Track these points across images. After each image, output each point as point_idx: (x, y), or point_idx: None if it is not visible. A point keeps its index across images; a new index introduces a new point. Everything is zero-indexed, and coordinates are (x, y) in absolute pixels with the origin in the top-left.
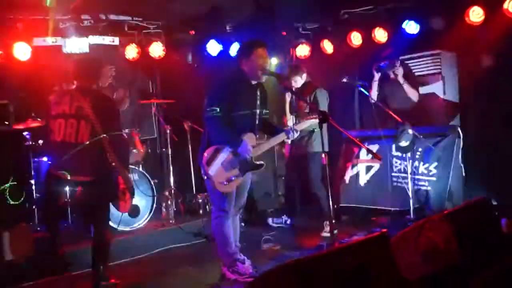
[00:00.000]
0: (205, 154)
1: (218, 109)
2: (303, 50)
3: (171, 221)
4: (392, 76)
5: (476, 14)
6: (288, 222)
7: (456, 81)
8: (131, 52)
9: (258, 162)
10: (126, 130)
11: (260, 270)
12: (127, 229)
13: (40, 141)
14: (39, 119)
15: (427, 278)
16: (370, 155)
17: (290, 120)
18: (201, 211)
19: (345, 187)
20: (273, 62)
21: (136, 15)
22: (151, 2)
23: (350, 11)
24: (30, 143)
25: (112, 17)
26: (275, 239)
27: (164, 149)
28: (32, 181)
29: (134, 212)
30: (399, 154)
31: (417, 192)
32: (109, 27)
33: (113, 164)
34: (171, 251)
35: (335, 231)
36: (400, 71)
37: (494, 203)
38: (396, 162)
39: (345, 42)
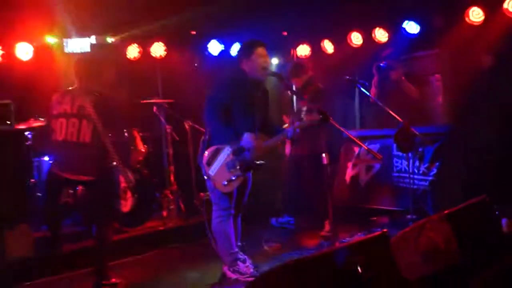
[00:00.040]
0: (206, 154)
1: (218, 109)
2: (303, 50)
3: (172, 221)
4: (392, 76)
5: (476, 14)
6: (291, 222)
7: (456, 81)
8: (133, 51)
9: (258, 162)
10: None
11: (260, 270)
12: (128, 228)
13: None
14: (41, 119)
15: (427, 278)
16: (370, 155)
17: (290, 119)
18: (201, 211)
19: (346, 186)
20: (274, 62)
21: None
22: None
23: (351, 11)
24: (32, 142)
25: (114, 17)
26: (275, 239)
27: (165, 149)
28: (34, 181)
29: (135, 211)
30: (399, 153)
31: (417, 192)
32: (111, 27)
33: (115, 163)
34: (172, 251)
35: (335, 231)
36: (400, 71)
37: (495, 204)
38: (396, 162)
39: (345, 42)
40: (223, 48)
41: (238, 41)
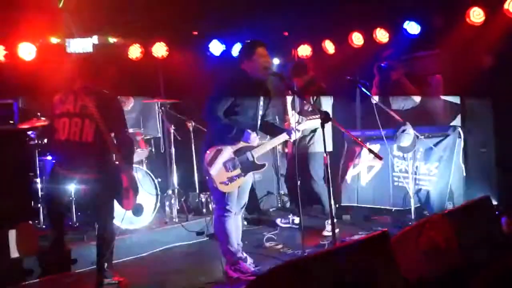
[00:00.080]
0: (207, 153)
1: (219, 109)
2: (304, 51)
3: (174, 220)
4: (393, 76)
5: (476, 15)
6: (296, 221)
7: (456, 81)
8: (135, 52)
9: (260, 162)
10: (130, 130)
11: (262, 269)
12: (131, 227)
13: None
14: (43, 118)
15: (428, 277)
16: (371, 155)
17: (292, 120)
18: (204, 210)
19: (347, 186)
20: (275, 62)
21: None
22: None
23: (351, 11)
24: (35, 142)
25: (116, 17)
26: (277, 238)
27: (167, 149)
28: (37, 180)
29: (138, 210)
30: (400, 154)
31: (418, 191)
32: (113, 27)
33: (117, 162)
34: (174, 250)
35: (337, 230)
36: (401, 71)
37: (495, 202)
38: (397, 162)
39: (346, 43)
40: (225, 48)
41: (240, 41)
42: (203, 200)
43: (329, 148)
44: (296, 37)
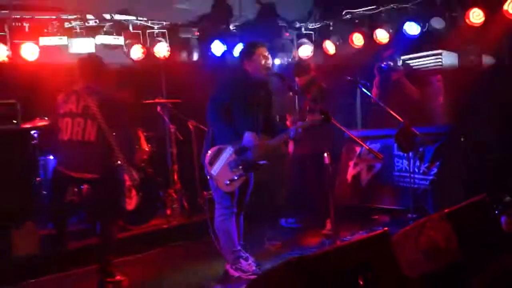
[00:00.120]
0: (208, 153)
1: (220, 109)
2: (305, 51)
3: (175, 219)
4: (393, 76)
5: (476, 16)
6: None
7: (456, 81)
8: (137, 52)
9: (260, 162)
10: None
11: (263, 268)
12: (133, 226)
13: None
14: (46, 118)
15: (428, 276)
16: (371, 154)
17: (293, 119)
18: (205, 209)
19: (347, 185)
20: (276, 62)
21: (141, 15)
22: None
23: (352, 11)
24: (38, 141)
25: (117, 17)
26: (278, 237)
27: (169, 148)
28: (39, 179)
29: (140, 209)
30: (400, 153)
31: (418, 191)
32: (115, 27)
33: (119, 162)
34: (176, 249)
35: (337, 230)
36: (401, 72)
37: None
38: (397, 162)
39: (347, 43)
40: (226, 49)
41: (241, 42)
42: (204, 199)
43: (330, 147)
44: (297, 38)
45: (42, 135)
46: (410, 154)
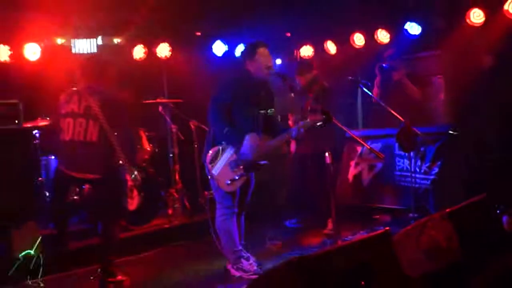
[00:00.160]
0: (209, 153)
1: (222, 110)
2: (306, 51)
3: (177, 219)
4: (394, 76)
5: (476, 16)
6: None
7: (457, 81)
8: (139, 52)
9: (261, 162)
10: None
11: (264, 268)
12: (134, 226)
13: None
14: (48, 118)
15: (429, 276)
16: (373, 154)
17: (295, 119)
18: (206, 209)
19: (348, 185)
20: (277, 62)
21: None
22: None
23: (353, 12)
24: (39, 141)
25: (120, 17)
26: (279, 237)
27: (170, 148)
28: (41, 179)
29: (141, 209)
30: (401, 153)
31: (419, 190)
32: (117, 28)
33: (121, 162)
34: (177, 248)
35: (338, 229)
36: (402, 72)
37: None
38: (398, 161)
39: (348, 43)
40: (227, 49)
41: (242, 42)
42: (206, 199)
43: (331, 147)
44: (298, 38)
45: (44, 135)
46: (411, 153)
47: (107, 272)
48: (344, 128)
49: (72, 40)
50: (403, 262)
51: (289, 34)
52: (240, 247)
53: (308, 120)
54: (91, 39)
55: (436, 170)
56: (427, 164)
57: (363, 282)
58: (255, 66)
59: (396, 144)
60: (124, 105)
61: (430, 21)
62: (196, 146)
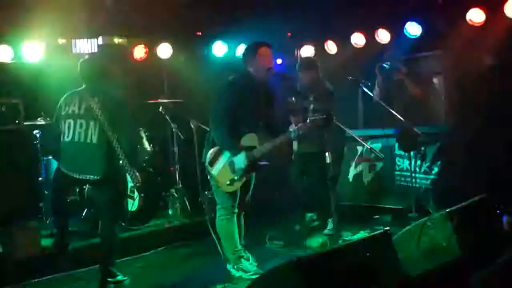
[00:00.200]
0: (209, 153)
1: (221, 110)
2: (307, 51)
3: (177, 219)
4: (394, 76)
5: (476, 16)
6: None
7: (457, 81)
8: (139, 52)
9: (262, 163)
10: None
11: (264, 268)
12: (134, 226)
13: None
14: (48, 119)
15: (429, 275)
16: (373, 154)
17: (296, 119)
18: (206, 209)
19: (349, 185)
20: (278, 62)
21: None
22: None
23: (354, 12)
24: (40, 141)
25: (120, 18)
26: (279, 237)
27: (170, 148)
28: (42, 179)
29: (141, 209)
30: (402, 153)
31: (419, 190)
32: (118, 28)
33: (122, 162)
34: (177, 248)
35: (338, 229)
36: (402, 72)
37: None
38: (399, 161)
39: (348, 43)
40: (228, 49)
41: (243, 42)
42: (206, 199)
43: (331, 147)
44: (299, 38)
45: (44, 136)
46: (412, 153)
47: (107, 272)
48: (345, 128)
49: (73, 40)
50: (403, 262)
51: (289, 34)
52: (241, 247)
53: (308, 120)
54: (92, 39)
55: (436, 170)
56: (427, 164)
57: (363, 282)
58: (256, 66)
59: (397, 144)
60: (125, 106)
61: (430, 21)
62: (196, 146)
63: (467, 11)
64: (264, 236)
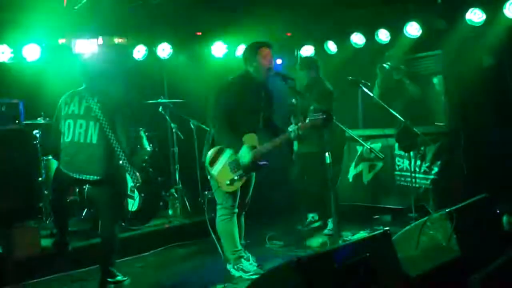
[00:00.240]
0: (209, 153)
1: (221, 110)
2: (307, 51)
3: (177, 219)
4: (394, 76)
5: (476, 16)
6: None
7: (457, 81)
8: (139, 52)
9: (261, 163)
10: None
11: (264, 268)
12: (134, 226)
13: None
14: (48, 119)
15: (429, 275)
16: (373, 154)
17: (296, 119)
18: (206, 209)
19: (349, 185)
20: (278, 62)
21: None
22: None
23: (354, 12)
24: (40, 141)
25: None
26: (279, 237)
27: (170, 148)
28: (41, 179)
29: (141, 209)
30: (401, 153)
31: (419, 190)
32: (118, 28)
33: (122, 162)
34: (177, 248)
35: (338, 229)
36: (402, 71)
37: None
38: (398, 161)
39: (348, 43)
40: (228, 49)
41: (243, 42)
42: (206, 199)
43: (331, 147)
44: (298, 38)
45: (44, 135)
46: (411, 153)
47: (107, 272)
48: (345, 128)
49: (73, 40)
50: (403, 261)
51: (289, 34)
52: (241, 247)
53: (308, 120)
54: (92, 39)
55: (436, 170)
56: (427, 164)
57: (363, 282)
58: (256, 66)
59: (396, 144)
60: (124, 106)
61: (430, 21)
62: (196, 146)
63: (466, 11)
64: (264, 236)
